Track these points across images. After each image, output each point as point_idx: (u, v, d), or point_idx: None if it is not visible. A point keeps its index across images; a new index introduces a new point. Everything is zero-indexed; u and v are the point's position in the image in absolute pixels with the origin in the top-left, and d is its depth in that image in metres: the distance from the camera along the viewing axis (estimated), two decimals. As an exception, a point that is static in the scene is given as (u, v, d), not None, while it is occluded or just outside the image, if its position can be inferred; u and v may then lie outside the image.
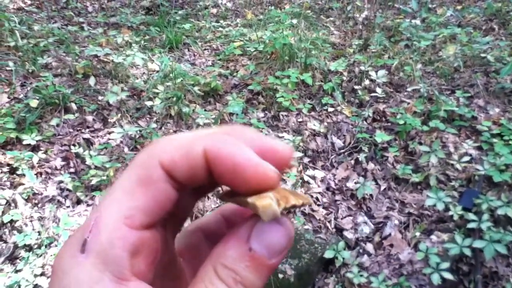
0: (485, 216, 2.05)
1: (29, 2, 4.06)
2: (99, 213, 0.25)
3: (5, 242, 2.00)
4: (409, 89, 3.04)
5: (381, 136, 2.62)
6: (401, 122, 2.67)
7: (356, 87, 3.09)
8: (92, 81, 2.90)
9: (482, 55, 3.25)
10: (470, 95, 2.95)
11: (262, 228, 0.26)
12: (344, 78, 3.17)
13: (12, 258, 1.95)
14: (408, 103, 2.91)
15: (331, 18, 4.28)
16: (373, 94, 2.99)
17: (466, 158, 2.43)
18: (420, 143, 2.59)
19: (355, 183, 2.47)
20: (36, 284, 1.81)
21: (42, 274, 1.87)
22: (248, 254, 0.25)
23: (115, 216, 0.25)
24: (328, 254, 2.05)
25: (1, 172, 2.24)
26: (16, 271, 1.87)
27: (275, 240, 0.26)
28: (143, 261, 0.26)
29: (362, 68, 3.17)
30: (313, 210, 2.34)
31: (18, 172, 2.25)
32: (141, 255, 0.26)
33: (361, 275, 1.98)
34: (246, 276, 0.25)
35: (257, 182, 0.26)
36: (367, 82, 3.09)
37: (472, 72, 3.16)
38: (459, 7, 4.29)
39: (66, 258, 0.25)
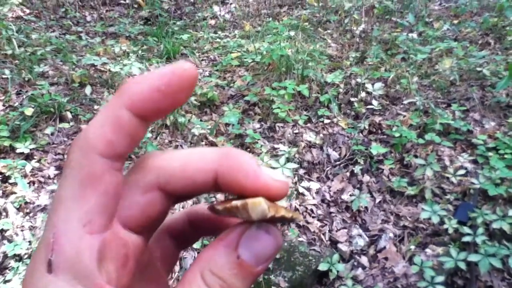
0: (480, 230, 2.04)
1: (27, 11, 4.08)
2: (55, 228, 0.24)
3: (-5, 251, 1.98)
4: (405, 102, 3.05)
5: (376, 149, 2.61)
6: (397, 134, 2.67)
7: (352, 99, 3.09)
8: (88, 90, 2.90)
9: (478, 69, 3.26)
10: (466, 109, 2.95)
11: (251, 236, 0.25)
12: (341, 90, 3.18)
13: (1, 268, 1.92)
14: (404, 116, 2.91)
15: (329, 31, 4.30)
16: (369, 107, 2.99)
17: (462, 172, 2.43)
18: (416, 156, 2.58)
19: (350, 195, 2.45)
20: (25, 295, 1.78)
21: (32, 284, 1.84)
22: (236, 261, 0.25)
23: (72, 226, 0.24)
24: (322, 267, 2.03)
25: (-6, 180, 2.22)
26: (5, 282, 1.84)
27: (263, 249, 0.26)
28: (113, 266, 0.25)
29: (359, 80, 3.18)
30: (307, 222, 2.32)
31: (10, 181, 2.23)
32: (109, 260, 0.24)
33: (355, 289, 1.96)
34: (233, 283, 0.25)
35: (268, 190, 0.26)
36: (363, 94, 3.10)
37: (468, 86, 3.17)
38: (455, 21, 4.32)
39: (35, 280, 0.23)
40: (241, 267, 0.25)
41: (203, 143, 2.68)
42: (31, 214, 2.15)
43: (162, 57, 3.66)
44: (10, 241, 1.98)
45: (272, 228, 0.26)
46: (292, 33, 3.89)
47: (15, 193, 2.18)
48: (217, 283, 0.25)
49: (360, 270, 2.11)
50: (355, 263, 2.15)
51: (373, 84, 3.10)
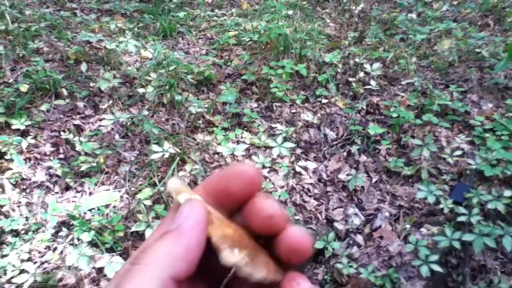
0: (475, 210, 2.05)
1: (21, -14, 4.00)
2: None
3: (-8, 227, 1.97)
4: (403, 83, 3.04)
5: (374, 129, 2.61)
6: (395, 115, 2.67)
7: (350, 79, 3.07)
8: (84, 67, 2.86)
9: (477, 50, 3.25)
10: (464, 90, 2.95)
11: None
12: (339, 70, 3.16)
13: (-2, 243, 1.92)
14: (402, 97, 2.90)
15: (327, 10, 4.25)
16: (367, 87, 2.98)
17: (458, 152, 2.43)
18: (413, 137, 2.59)
19: (347, 175, 2.46)
20: (23, 269, 1.78)
21: (29, 259, 1.85)
22: None
23: None
24: (318, 245, 2.05)
25: (-11, 157, 2.21)
26: (2, 256, 1.84)
27: None
28: None
29: (357, 60, 3.16)
30: (304, 201, 2.33)
31: (6, 157, 2.21)
32: None
33: (351, 266, 1.98)
34: None
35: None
36: (361, 74, 3.08)
37: (467, 67, 3.16)
38: (455, 2, 4.28)
39: None
40: None
41: (200, 121, 2.67)
42: (27, 191, 2.15)
43: (158, 35, 3.61)
44: (7, 216, 1.98)
45: None
46: (290, 12, 3.84)
47: (11, 169, 2.17)
48: None
49: (355, 248, 2.13)
50: (351, 242, 2.17)
51: (371, 64, 3.09)
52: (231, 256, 0.28)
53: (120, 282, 0.26)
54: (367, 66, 3.08)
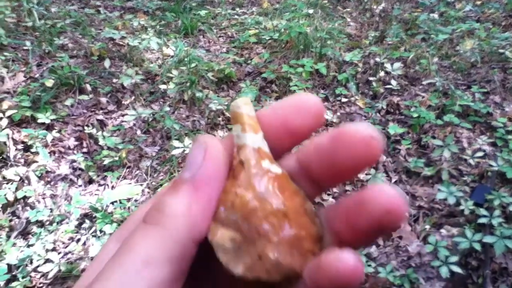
0: (497, 212, 2.03)
1: (47, -16, 4.08)
2: None
3: (18, 217, 2.03)
4: (424, 83, 3.01)
5: (394, 129, 2.60)
6: (415, 115, 2.65)
7: (370, 78, 3.06)
8: (107, 63, 2.92)
9: (500, 51, 3.20)
10: (486, 91, 2.91)
11: None
12: (359, 69, 3.15)
13: (24, 233, 1.98)
14: (423, 97, 2.88)
15: (348, 9, 4.24)
16: (387, 86, 2.96)
17: (480, 154, 2.41)
18: (434, 137, 2.57)
19: (366, 174, 2.46)
20: (48, 259, 1.83)
21: (54, 249, 1.90)
22: None
23: None
24: (337, 243, 2.05)
25: (16, 149, 2.27)
26: (28, 246, 1.89)
27: None
28: None
29: (378, 60, 3.15)
30: (323, 200, 2.34)
31: (32, 150, 2.27)
32: None
33: (369, 265, 1.98)
34: None
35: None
36: (382, 74, 3.07)
37: (489, 68, 3.12)
38: (478, 2, 4.22)
39: None
40: None
41: (220, 118, 2.69)
42: (52, 183, 2.20)
43: (179, 32, 3.65)
44: (32, 207, 2.04)
45: None
46: (310, 11, 3.84)
47: (36, 162, 2.22)
48: None
49: (373, 247, 2.13)
50: (369, 241, 2.17)
51: (392, 64, 3.07)
52: (212, 234, 0.24)
53: (130, 238, 0.23)
54: (388, 66, 3.06)
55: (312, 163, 0.26)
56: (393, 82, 2.96)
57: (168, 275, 0.22)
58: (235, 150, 0.26)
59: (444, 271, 1.87)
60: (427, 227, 2.16)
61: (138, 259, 0.22)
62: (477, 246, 1.91)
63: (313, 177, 0.27)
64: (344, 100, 2.92)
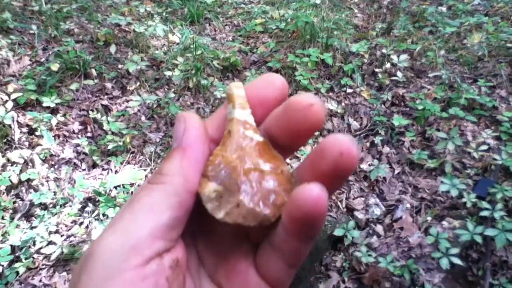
0: (499, 206, 2.03)
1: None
2: None
3: (22, 199, 2.05)
4: (430, 75, 3.00)
5: (398, 120, 2.59)
6: (420, 107, 2.64)
7: (376, 70, 3.05)
8: (113, 49, 2.91)
9: (508, 45, 3.18)
10: (493, 85, 2.89)
11: None
12: (365, 60, 3.14)
13: (28, 215, 1.99)
14: (429, 89, 2.87)
15: (355, 0, 4.21)
16: (393, 78, 2.95)
17: (484, 147, 2.40)
18: (438, 130, 2.56)
19: (369, 165, 2.46)
20: (51, 241, 1.85)
21: (56, 232, 1.91)
22: None
23: None
24: (338, 232, 2.06)
25: (21, 132, 2.28)
26: (32, 228, 1.91)
27: None
28: None
29: (384, 51, 3.13)
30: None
31: (36, 133, 2.28)
32: None
33: (369, 255, 1.98)
34: None
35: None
36: (388, 65, 3.05)
37: (497, 62, 3.10)
38: (487, -4, 4.18)
39: None
40: None
41: (225, 107, 2.69)
42: (55, 166, 2.21)
43: (186, 20, 3.64)
44: (36, 190, 2.05)
45: None
46: (318, 1, 3.82)
47: (41, 145, 2.23)
48: None
49: (375, 238, 2.13)
50: (370, 231, 2.18)
51: (398, 56, 3.05)
52: (201, 187, 0.29)
53: (137, 194, 0.29)
54: (394, 58, 3.05)
55: (273, 130, 0.31)
56: (399, 74, 2.95)
57: (168, 220, 0.27)
58: (227, 123, 0.32)
59: (444, 263, 1.87)
60: (429, 218, 2.16)
61: (145, 207, 0.27)
62: (478, 239, 1.91)
63: (276, 143, 0.32)
64: (349, 91, 2.91)
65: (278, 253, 0.30)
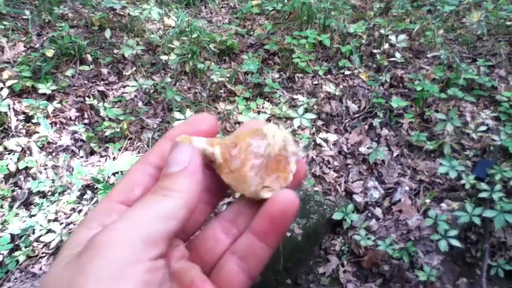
0: (498, 187, 2.03)
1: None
2: None
3: (20, 188, 2.04)
4: (429, 56, 2.97)
5: (397, 102, 2.58)
6: (419, 88, 2.62)
7: (374, 51, 3.02)
8: (108, 33, 2.87)
9: (508, 23, 3.14)
10: (492, 65, 2.87)
11: None
12: (363, 41, 3.10)
13: (26, 204, 1.99)
14: (427, 70, 2.85)
15: (353, -20, 4.14)
16: (391, 59, 2.92)
17: (483, 128, 2.39)
18: (437, 111, 2.55)
19: (368, 148, 2.45)
20: (50, 229, 1.85)
21: (55, 220, 1.92)
22: None
23: None
24: (337, 216, 2.07)
25: (17, 120, 2.26)
26: (31, 216, 1.91)
27: None
28: None
29: (382, 32, 3.09)
30: (323, 173, 2.34)
31: (33, 121, 2.27)
32: None
33: (368, 238, 1.99)
34: None
35: None
36: (386, 46, 3.02)
37: (496, 41, 3.07)
38: (487, -27, 4.11)
39: None
40: None
41: (222, 90, 2.67)
42: (53, 154, 2.21)
43: (181, 3, 3.58)
44: (34, 178, 2.04)
45: None
46: (315, -19, 3.75)
47: (38, 132, 2.22)
48: None
49: (373, 221, 2.14)
50: (369, 214, 2.18)
51: (396, 36, 3.02)
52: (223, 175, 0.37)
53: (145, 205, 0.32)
54: (392, 38, 3.01)
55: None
56: (398, 54, 2.92)
57: (173, 228, 0.31)
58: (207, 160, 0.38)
59: (443, 245, 1.88)
60: (428, 201, 2.17)
61: (156, 212, 0.31)
62: (477, 221, 1.92)
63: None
64: (347, 72, 2.88)
65: (242, 265, 0.34)
